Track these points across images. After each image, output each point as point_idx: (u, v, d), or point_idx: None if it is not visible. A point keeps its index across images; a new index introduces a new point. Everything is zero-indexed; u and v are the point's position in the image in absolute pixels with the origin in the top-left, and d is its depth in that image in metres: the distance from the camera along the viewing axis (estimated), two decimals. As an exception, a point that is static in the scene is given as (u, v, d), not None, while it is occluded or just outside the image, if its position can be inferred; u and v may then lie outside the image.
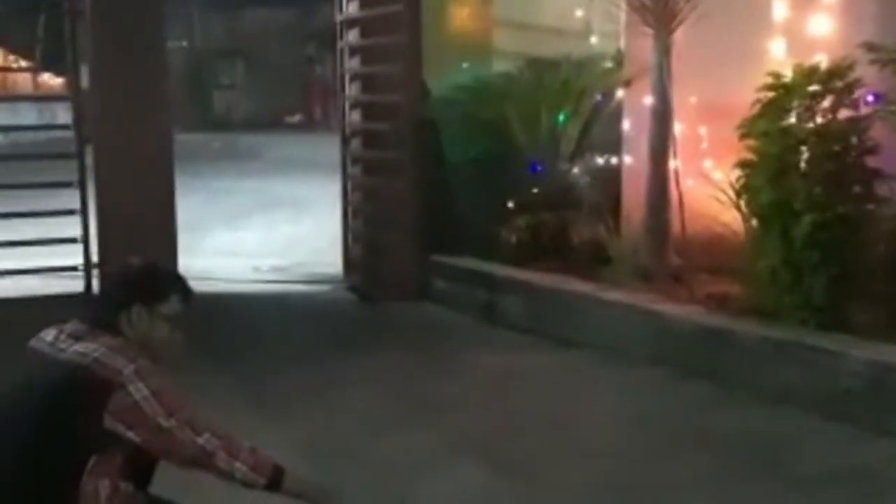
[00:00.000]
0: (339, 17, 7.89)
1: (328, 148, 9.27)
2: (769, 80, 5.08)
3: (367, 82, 7.70)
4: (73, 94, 7.09)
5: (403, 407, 4.89)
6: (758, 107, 5.07)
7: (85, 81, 7.15)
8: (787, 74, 5.08)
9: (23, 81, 19.65)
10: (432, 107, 7.35)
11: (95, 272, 6.89)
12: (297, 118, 22.72)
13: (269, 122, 21.79)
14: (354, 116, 7.91)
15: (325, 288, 7.84)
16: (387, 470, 4.05)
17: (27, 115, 11.11)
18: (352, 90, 7.92)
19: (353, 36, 7.82)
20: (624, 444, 4.34)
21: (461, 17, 8.03)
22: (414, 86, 7.21)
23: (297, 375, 5.40)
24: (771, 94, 5.04)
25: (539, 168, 7.08)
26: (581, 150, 7.16)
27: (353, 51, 7.84)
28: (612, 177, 6.83)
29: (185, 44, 22.70)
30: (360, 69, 7.78)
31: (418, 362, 5.69)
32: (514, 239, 6.95)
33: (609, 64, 7.23)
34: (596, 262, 6.34)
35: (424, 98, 7.35)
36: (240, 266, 8.49)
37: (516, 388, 5.19)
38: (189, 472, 2.32)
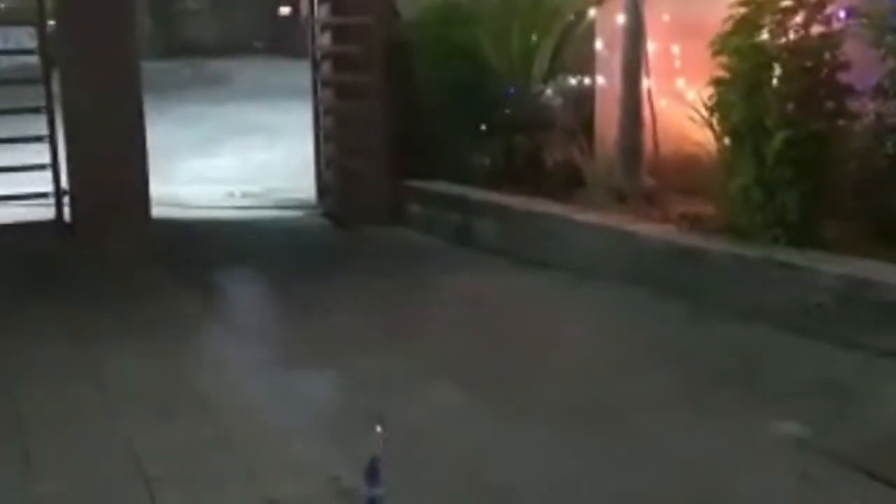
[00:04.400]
0: (307, -62, 7.76)
1: (298, 73, 9.17)
2: (742, -5, 5.04)
3: (337, 4, 7.58)
4: (37, 20, 6.95)
5: (378, 329, 4.91)
6: (730, 23, 5.04)
7: (50, 6, 7.01)
8: (760, -10, 5.04)
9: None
10: (403, 29, 7.27)
11: (66, 199, 6.83)
12: (262, 44, 22.42)
13: (238, 48, 21.49)
14: (324, 39, 7.80)
15: (298, 213, 7.82)
16: (362, 390, 4.07)
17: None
18: (321, 12, 7.80)
19: (322, -44, 7.69)
20: (598, 360, 4.39)
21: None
22: (384, 7, 7.12)
23: (271, 299, 5.43)
24: (743, 11, 5.01)
25: (512, 90, 7.03)
26: (554, 71, 7.10)
27: (323, -28, 7.72)
28: (586, 98, 6.81)
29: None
30: (329, -10, 7.66)
31: (392, 286, 5.70)
32: (487, 162, 6.94)
33: (581, -17, 7.14)
34: (570, 183, 6.34)
35: (395, 20, 7.27)
36: (213, 192, 8.44)
37: (490, 310, 5.21)
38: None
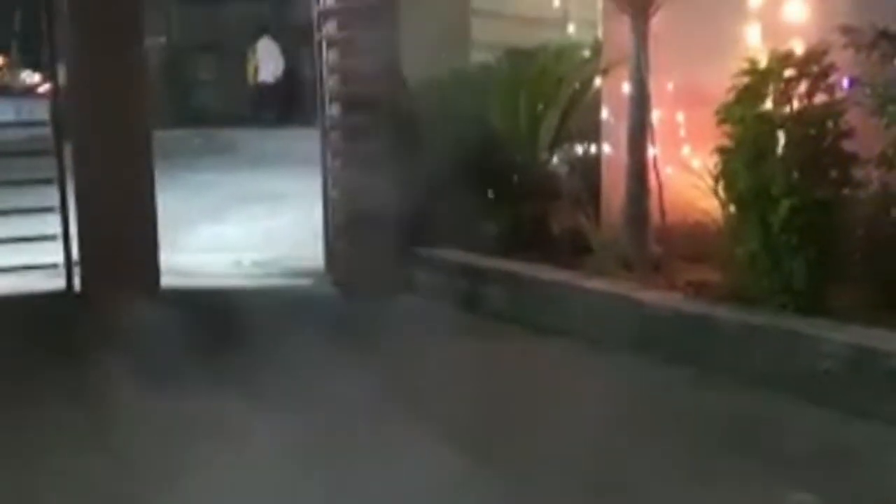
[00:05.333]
0: (316, 10, 7.87)
1: (305, 141, 9.26)
2: (745, 65, 5.11)
3: (346, 75, 7.68)
4: (51, 92, 7.06)
5: (382, 396, 4.91)
6: (734, 92, 5.11)
7: (63, 78, 7.12)
8: (763, 60, 5.11)
9: (-1, 79, 19.69)
10: (411, 98, 7.35)
11: (76, 269, 6.88)
12: (271, 113, 22.70)
13: (247, 117, 21.75)
14: (333, 109, 7.89)
15: (307, 282, 7.84)
16: (367, 457, 4.06)
17: (4, 111, 11.06)
18: (330, 83, 7.90)
19: (330, 28, 7.80)
20: (606, 426, 4.36)
21: (439, 7, 8.01)
22: (392, 78, 7.21)
23: (274, 367, 5.43)
24: (747, 80, 5.08)
25: (519, 158, 7.09)
26: (560, 139, 7.17)
27: (331, 43, 7.82)
28: (592, 165, 6.86)
29: (162, 40, 22.58)
30: (338, 61, 7.76)
31: (399, 352, 5.71)
32: (495, 229, 6.98)
33: (587, 52, 7.24)
34: (577, 250, 6.37)
35: (402, 90, 7.36)
36: (221, 261, 8.46)
37: (498, 376, 5.21)
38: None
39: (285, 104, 21.40)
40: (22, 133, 9.05)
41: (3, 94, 13.60)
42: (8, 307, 6.72)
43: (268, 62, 22.41)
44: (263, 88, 22.55)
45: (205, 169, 14.01)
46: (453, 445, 4.20)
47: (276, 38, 22.28)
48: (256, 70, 22.74)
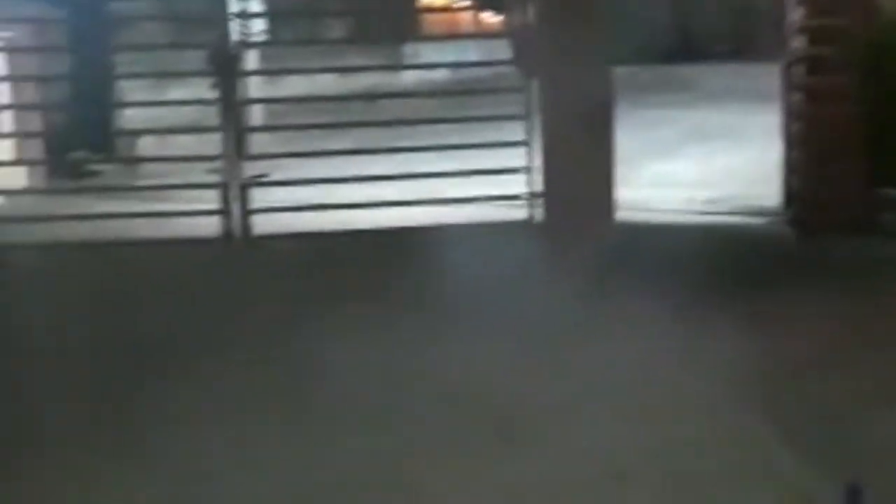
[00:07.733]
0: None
1: (761, 78, 8.99)
2: None
3: (813, 6, 7.35)
4: (519, 32, 7.38)
5: (833, 347, 4.71)
6: None
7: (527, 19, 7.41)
8: None
9: (464, 20, 20.92)
10: (884, 30, 6.90)
11: (538, 201, 7.20)
12: (725, 48, 22.28)
13: (698, 52, 21.51)
14: (798, 42, 7.58)
15: (760, 221, 7.65)
16: (838, 410, 3.94)
17: (469, 52, 11.74)
18: (795, 16, 7.59)
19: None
20: None
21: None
22: (863, 8, 6.80)
23: (719, 308, 5.35)
24: None
25: None
26: None
27: (798, -25, 7.50)
28: None
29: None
30: (805, -7, 7.43)
31: (856, 302, 5.44)
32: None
33: None
34: None
35: (873, 20, 6.92)
36: (673, 197, 8.45)
37: None
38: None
39: None
40: (485, 72, 9.61)
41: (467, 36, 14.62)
42: (479, 233, 7.13)
43: None
44: None
45: (654, 105, 14.03)
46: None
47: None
48: None
